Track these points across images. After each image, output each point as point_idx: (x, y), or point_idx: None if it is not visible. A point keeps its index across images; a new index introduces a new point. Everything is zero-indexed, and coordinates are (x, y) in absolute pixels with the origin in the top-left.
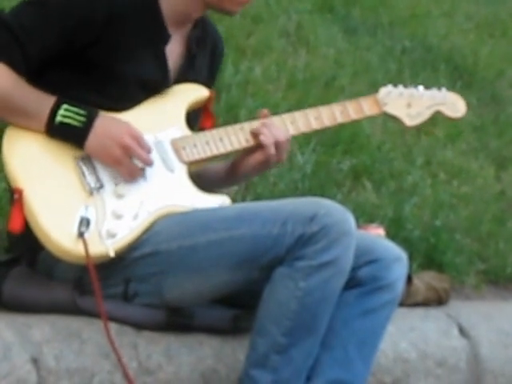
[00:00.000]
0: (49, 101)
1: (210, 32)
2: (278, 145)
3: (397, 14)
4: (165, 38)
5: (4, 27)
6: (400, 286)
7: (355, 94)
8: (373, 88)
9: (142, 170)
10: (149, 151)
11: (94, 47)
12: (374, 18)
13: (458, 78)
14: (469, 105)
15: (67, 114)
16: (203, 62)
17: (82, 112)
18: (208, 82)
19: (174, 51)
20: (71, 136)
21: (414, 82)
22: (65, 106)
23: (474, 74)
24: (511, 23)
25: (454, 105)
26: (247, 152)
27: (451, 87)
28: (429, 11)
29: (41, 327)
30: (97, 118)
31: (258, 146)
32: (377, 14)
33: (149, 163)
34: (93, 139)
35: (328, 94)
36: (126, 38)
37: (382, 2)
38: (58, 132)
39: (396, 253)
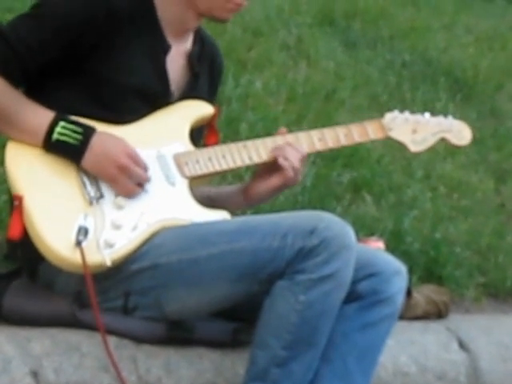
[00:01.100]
0: (46, 116)
1: (207, 45)
2: (296, 167)
3: (397, 27)
4: (164, 48)
5: (1, 39)
6: (400, 299)
7: (355, 108)
8: (373, 101)
9: (140, 187)
10: (145, 169)
11: (92, 55)
12: (374, 32)
13: (458, 92)
14: (468, 118)
15: (64, 131)
16: (203, 77)
17: (78, 130)
18: (210, 97)
19: (175, 64)
20: (67, 153)
21: (414, 95)
22: (62, 123)
23: (473, 87)
24: (510, 37)
25: (459, 132)
26: (262, 176)
27: (451, 100)
28: (428, 25)
29: (41, 340)
30: (93, 136)
31: (273, 169)
32: (377, 28)
33: (145, 180)
34: (89, 157)
35: (328, 107)
36: (125, 46)
37: (381, 15)
38: (54, 148)
39: (396, 266)
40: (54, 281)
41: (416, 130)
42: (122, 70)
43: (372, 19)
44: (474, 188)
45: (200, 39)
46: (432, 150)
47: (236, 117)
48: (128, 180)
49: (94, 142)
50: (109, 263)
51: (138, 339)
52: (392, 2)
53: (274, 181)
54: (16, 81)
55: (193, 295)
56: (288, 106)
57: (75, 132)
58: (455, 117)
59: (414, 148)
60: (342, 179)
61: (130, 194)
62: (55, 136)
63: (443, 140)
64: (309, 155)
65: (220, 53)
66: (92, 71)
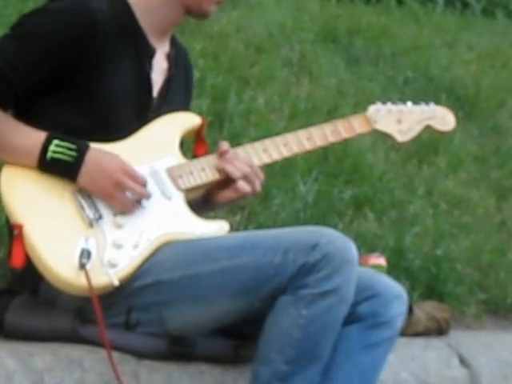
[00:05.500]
0: (39, 137)
1: (180, 50)
2: (246, 177)
3: (399, 44)
4: (150, 53)
5: None
6: (399, 323)
7: None
8: None
9: (138, 202)
10: (143, 184)
11: (79, 72)
12: (377, 49)
13: (460, 109)
14: (470, 135)
15: (58, 149)
16: (178, 82)
17: (72, 146)
18: (186, 100)
19: (158, 66)
20: (63, 171)
21: None
22: (55, 141)
23: (475, 104)
24: None
25: (443, 119)
26: (218, 187)
27: None
28: (431, 42)
29: (42, 355)
30: (87, 152)
31: (228, 181)
32: (379, 45)
33: (144, 196)
34: (84, 174)
35: None
36: (111, 59)
37: (384, 32)
38: (50, 167)
39: (396, 290)
40: (55, 297)
41: (400, 119)
42: (109, 83)
43: (374, 36)
44: (475, 205)
45: (175, 44)
46: (434, 166)
47: (238, 133)
48: (124, 196)
49: (89, 157)
50: (116, 282)
51: (140, 355)
52: (394, 19)
53: (228, 193)
54: (4, 104)
55: (195, 311)
56: (290, 123)
57: (69, 149)
58: (457, 134)
59: (400, 138)
60: (344, 196)
61: (126, 210)
62: (49, 154)
63: (429, 127)
64: (311, 172)
65: (190, 58)
66: (79, 87)
